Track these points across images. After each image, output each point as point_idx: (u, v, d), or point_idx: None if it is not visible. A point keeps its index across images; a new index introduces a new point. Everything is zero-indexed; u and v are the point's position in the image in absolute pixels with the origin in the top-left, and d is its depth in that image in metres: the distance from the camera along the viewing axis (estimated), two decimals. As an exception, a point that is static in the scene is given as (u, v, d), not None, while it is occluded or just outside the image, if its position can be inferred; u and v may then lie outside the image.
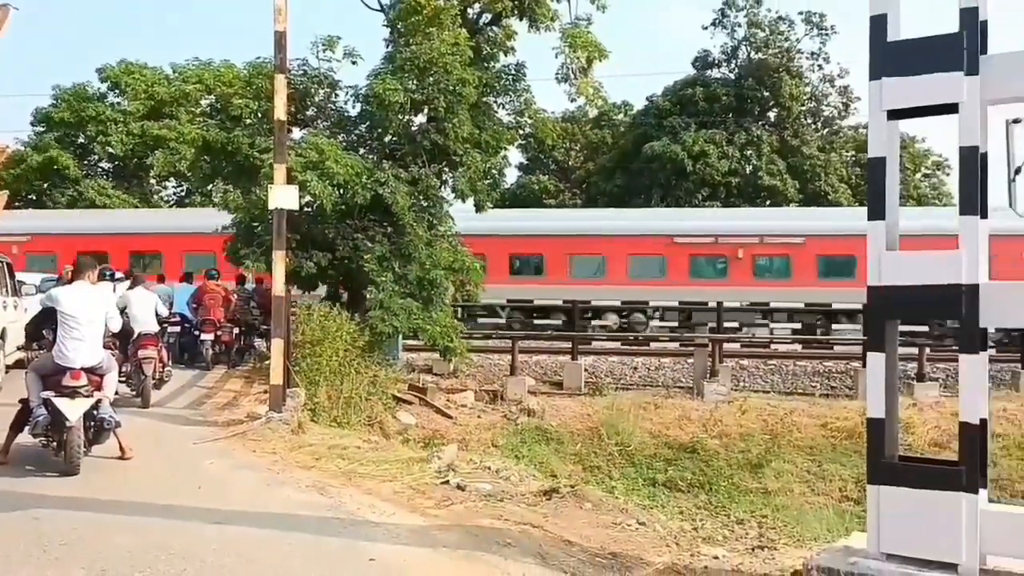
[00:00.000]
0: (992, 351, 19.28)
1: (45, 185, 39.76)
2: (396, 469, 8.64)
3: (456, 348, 18.02)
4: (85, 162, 40.80)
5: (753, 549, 7.07)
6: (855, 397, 19.59)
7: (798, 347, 25.85)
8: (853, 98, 45.93)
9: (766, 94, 44.34)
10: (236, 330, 17.34)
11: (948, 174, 46.56)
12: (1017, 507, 4.99)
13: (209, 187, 28.99)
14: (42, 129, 40.43)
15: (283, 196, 11.12)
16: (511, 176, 49.57)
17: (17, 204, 39.42)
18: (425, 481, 8.17)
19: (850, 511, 13.90)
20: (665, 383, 22.45)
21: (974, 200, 4.33)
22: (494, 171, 20.23)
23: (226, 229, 18.40)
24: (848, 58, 58.04)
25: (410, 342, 20.78)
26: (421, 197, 17.65)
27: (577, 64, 20.72)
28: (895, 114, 4.61)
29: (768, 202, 42.06)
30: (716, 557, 6.32)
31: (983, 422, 4.31)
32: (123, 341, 11.77)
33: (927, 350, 20.90)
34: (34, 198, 40.14)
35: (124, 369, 11.99)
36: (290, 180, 12.21)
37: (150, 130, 38.42)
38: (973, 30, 4.30)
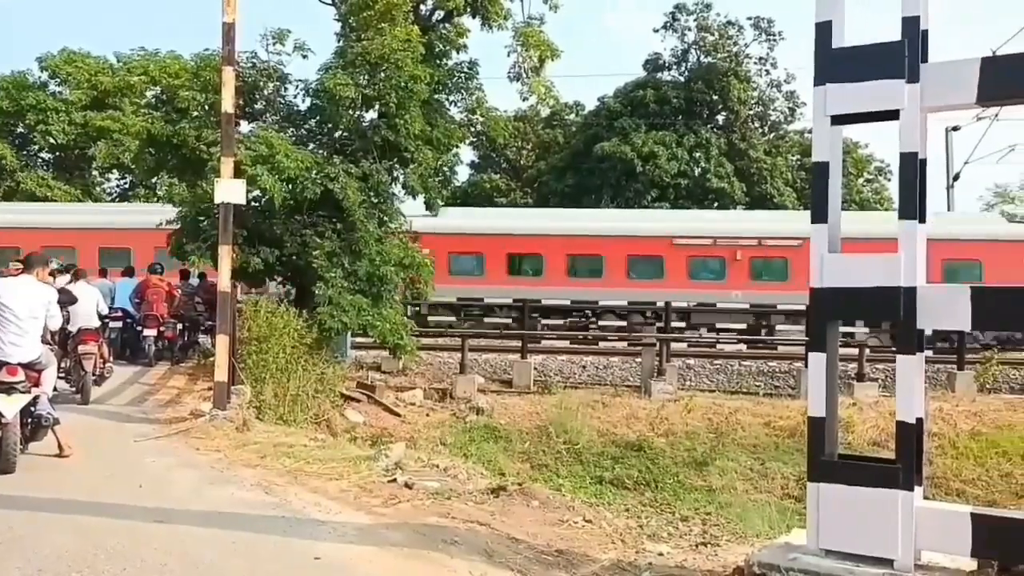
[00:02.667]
0: (929, 352, 19.74)
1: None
2: (343, 467, 8.58)
3: (406, 345, 17.98)
4: (24, 152, 39.72)
5: (697, 546, 7.16)
6: (798, 397, 19.91)
7: (743, 347, 26.22)
8: (799, 103, 46.80)
9: (715, 97, 44.91)
10: (180, 326, 17.10)
11: (889, 179, 47.65)
12: (951, 505, 5.12)
13: (154, 180, 28.49)
14: (-21, 117, 39.28)
15: (230, 190, 10.99)
16: (462, 174, 49.58)
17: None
18: (372, 479, 8.12)
19: (791, 508, 14.14)
20: (613, 382, 22.63)
21: (913, 205, 4.43)
22: (445, 168, 20.23)
23: (170, 223, 18.10)
24: (794, 64, 58.96)
25: (359, 339, 20.68)
26: (372, 193, 17.56)
27: (529, 63, 20.84)
28: (838, 120, 4.69)
29: (716, 204, 42.58)
30: (661, 554, 6.39)
31: (919, 421, 4.42)
32: (62, 336, 11.54)
33: (867, 351, 21.36)
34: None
35: (63, 365, 11.75)
36: (239, 174, 12.06)
37: (93, 120, 37.55)
38: (914, 39, 4.40)
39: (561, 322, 28.18)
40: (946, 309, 4.42)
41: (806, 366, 19.99)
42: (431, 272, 19.70)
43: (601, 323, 28.19)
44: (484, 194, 48.14)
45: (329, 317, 16.24)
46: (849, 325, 23.63)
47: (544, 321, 27.95)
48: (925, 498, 4.62)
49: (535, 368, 22.38)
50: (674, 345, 23.46)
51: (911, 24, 4.42)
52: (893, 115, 4.49)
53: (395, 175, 18.47)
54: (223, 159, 11.18)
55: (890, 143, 62.26)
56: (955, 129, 37.93)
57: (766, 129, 48.00)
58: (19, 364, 7.73)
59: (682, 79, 45.90)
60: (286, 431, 11.36)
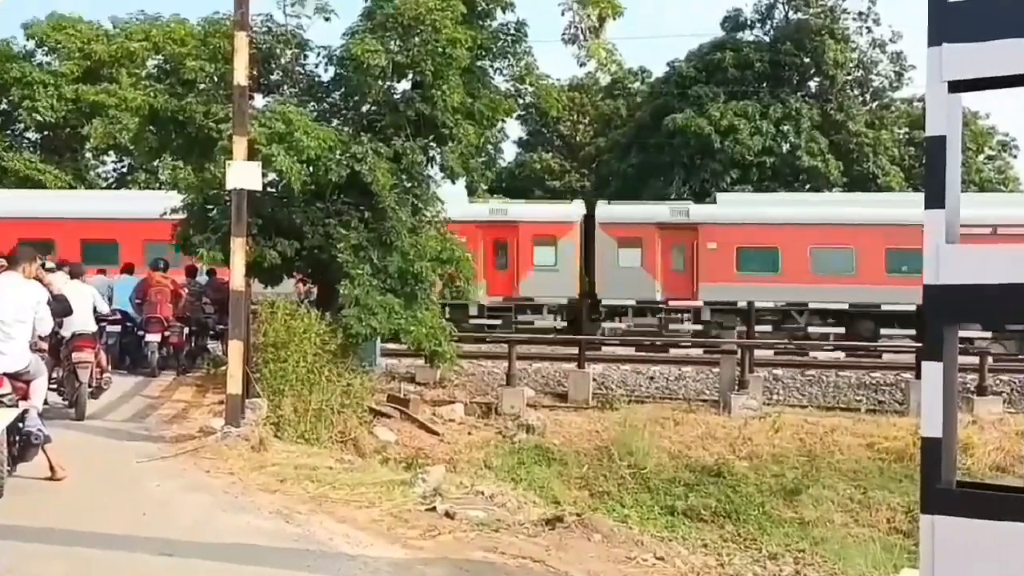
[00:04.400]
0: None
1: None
2: (374, 493, 8.67)
3: (445, 353, 18.05)
4: (8, 132, 40.65)
5: (788, 588, 7.12)
6: (906, 413, 19.68)
7: (841, 355, 25.93)
8: (907, 67, 45.99)
9: (806, 60, 44.37)
10: (186, 330, 17.34)
11: (1015, 156, 46.70)
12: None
13: (156, 163, 29.02)
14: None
15: (243, 174, 11.13)
16: (509, 152, 49.65)
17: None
18: (408, 507, 8.20)
19: (899, 545, 13.97)
20: (686, 395, 22.53)
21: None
22: (489, 146, 20.23)
23: (175, 212, 18.38)
24: (901, 20, 58.14)
25: (390, 346, 20.81)
26: (404, 176, 17.64)
27: (587, 22, 20.76)
28: (957, 86, 4.62)
29: (808, 185, 42.10)
30: (745, 597, 6.37)
31: (1055, 443, 4.35)
32: (54, 342, 11.76)
33: (989, 359, 20.99)
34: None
35: (55, 375, 11.98)
36: (252, 155, 12.21)
37: (86, 95, 38.26)
38: (1050, -12, 4.32)
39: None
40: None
41: (917, 377, 19.76)
42: (472, 268, 19.77)
43: None
44: (534, 175, 48.20)
45: (356, 320, 16.35)
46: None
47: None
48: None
49: (594, 379, 22.36)
50: (759, 353, 23.28)
51: (1046, -29, 4.34)
52: (1023, 80, 4.42)
53: (431, 155, 18.52)
54: (235, 138, 11.33)
55: (1017, 113, 61.09)
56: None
57: (867, 97, 47.33)
58: (4, 374, 7.87)
59: (767, 39, 45.46)
60: (308, 451, 11.50)
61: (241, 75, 11.27)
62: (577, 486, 17.19)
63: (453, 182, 19.46)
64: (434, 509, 8.19)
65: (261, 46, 17.68)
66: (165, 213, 18.52)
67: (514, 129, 50.25)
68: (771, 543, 14.25)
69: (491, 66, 19.69)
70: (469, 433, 19.01)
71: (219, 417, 11.54)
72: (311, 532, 7.21)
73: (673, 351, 26.39)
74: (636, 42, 74.63)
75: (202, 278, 18.72)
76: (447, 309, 21.64)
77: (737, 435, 18.60)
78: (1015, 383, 20.86)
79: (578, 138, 51.78)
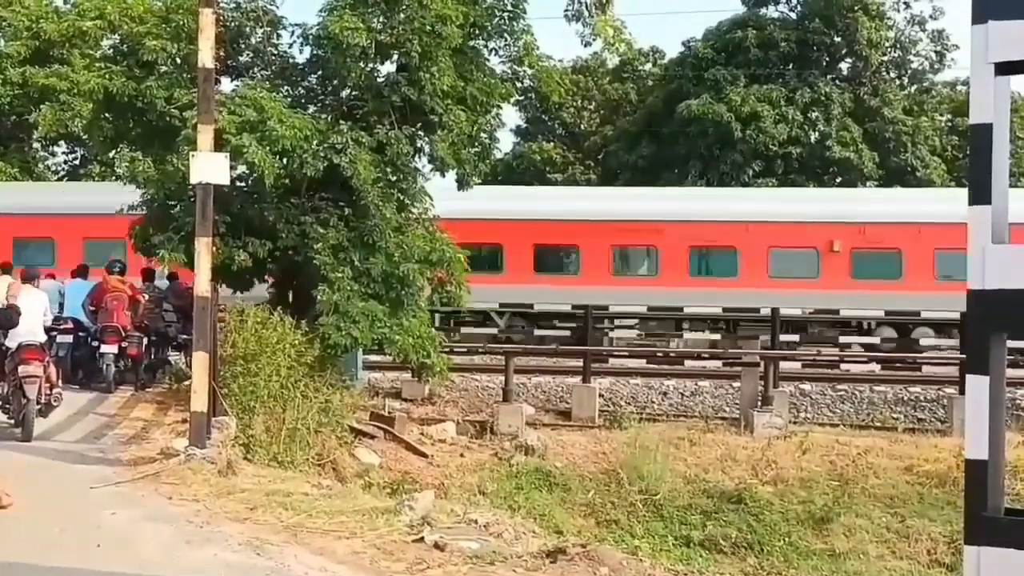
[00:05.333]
0: None
1: None
2: (355, 522, 8.67)
3: (434, 365, 18.05)
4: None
5: (817, 628, 7.13)
6: (949, 432, 19.66)
7: (876, 368, 25.93)
8: (950, 46, 46.06)
9: (837, 39, 44.46)
10: (146, 340, 17.30)
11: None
12: None
13: (112, 153, 29.01)
14: None
15: (209, 167, 11.14)
16: (506, 142, 49.69)
17: None
18: (393, 538, 8.20)
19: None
20: (703, 413, 22.51)
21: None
22: (483, 135, 20.23)
23: (133, 209, 18.38)
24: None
25: (374, 357, 20.81)
26: (389, 168, 17.64)
27: (592, -3, 20.73)
28: (1005, 68, 4.62)
29: (839, 179, 42.13)
30: (769, 638, 6.38)
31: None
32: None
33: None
34: None
35: (-1, 391, 11.98)
36: (219, 145, 12.22)
37: (34, 78, 38.24)
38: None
39: None
40: None
41: (961, 392, 19.73)
42: (464, 270, 19.75)
43: None
44: (534, 167, 48.22)
45: (335, 330, 16.36)
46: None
47: None
48: None
49: (600, 395, 22.36)
50: (785, 365, 23.27)
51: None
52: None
53: (419, 144, 18.53)
54: (200, 126, 11.35)
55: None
56: None
57: (905, 81, 47.44)
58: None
59: (793, 16, 45.57)
60: (281, 475, 11.51)
61: (207, 56, 11.29)
62: (582, 514, 17.19)
63: (443, 175, 19.46)
64: (422, 540, 8.18)
65: (229, 24, 17.69)
66: (122, 210, 18.53)
67: (511, 116, 50.42)
68: (799, 577, 14.30)
69: (485, 46, 19.69)
70: (461, 455, 19.00)
71: (182, 437, 11.54)
72: (285, 566, 7.21)
73: (688, 363, 26.35)
74: (648, 19, 74.71)
75: (162, 282, 18.68)
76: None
77: (760, 457, 18.59)
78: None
79: (583, 126, 51.87)
